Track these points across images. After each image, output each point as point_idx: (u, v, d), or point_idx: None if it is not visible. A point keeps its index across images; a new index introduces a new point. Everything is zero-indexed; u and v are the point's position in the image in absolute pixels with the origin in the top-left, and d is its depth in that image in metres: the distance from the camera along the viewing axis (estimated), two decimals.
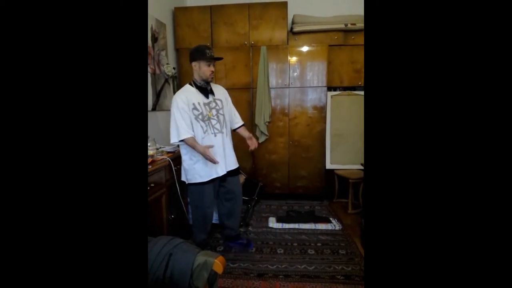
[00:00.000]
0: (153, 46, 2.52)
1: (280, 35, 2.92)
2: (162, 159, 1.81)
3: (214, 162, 1.77)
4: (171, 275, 1.06)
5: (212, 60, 1.77)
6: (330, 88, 3.04)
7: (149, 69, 2.45)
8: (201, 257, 1.09)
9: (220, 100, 1.87)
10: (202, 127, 1.79)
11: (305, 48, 2.93)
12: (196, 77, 1.81)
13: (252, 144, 1.94)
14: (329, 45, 2.92)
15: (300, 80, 2.96)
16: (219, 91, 1.91)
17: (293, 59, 2.94)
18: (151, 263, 1.07)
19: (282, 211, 2.82)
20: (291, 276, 1.76)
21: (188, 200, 2.00)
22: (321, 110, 2.98)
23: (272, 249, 2.09)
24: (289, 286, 1.66)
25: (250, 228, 2.44)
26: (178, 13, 2.98)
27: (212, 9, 2.94)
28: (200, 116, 1.78)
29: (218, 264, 1.07)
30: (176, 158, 1.99)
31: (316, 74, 2.94)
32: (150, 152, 1.80)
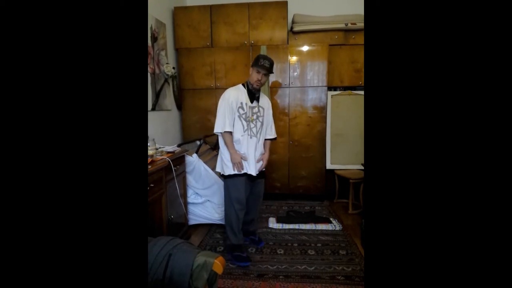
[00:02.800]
0: (152, 46, 2.52)
1: (280, 34, 2.92)
2: (162, 159, 1.81)
3: (238, 169, 1.88)
4: (171, 276, 1.06)
5: (263, 69, 1.82)
6: (330, 88, 3.03)
7: (148, 69, 2.45)
8: (201, 258, 1.08)
9: (263, 108, 1.96)
10: (243, 125, 1.89)
11: (305, 48, 2.92)
12: (250, 80, 1.90)
13: (263, 163, 2.01)
14: (330, 45, 2.91)
15: (300, 80, 2.96)
16: (264, 100, 2.01)
17: (293, 59, 2.93)
18: (150, 264, 1.06)
19: (282, 211, 2.82)
20: (291, 276, 1.75)
21: (224, 195, 2.04)
22: (322, 110, 2.98)
23: (272, 250, 2.09)
24: (289, 286, 1.66)
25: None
26: (178, 12, 2.97)
27: (212, 8, 2.93)
28: (243, 116, 1.89)
29: (218, 264, 1.07)
30: (176, 159, 1.98)
31: (316, 73, 2.93)
32: (149, 152, 1.79)
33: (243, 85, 1.94)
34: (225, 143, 1.90)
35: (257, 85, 1.87)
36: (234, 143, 1.90)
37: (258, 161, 1.97)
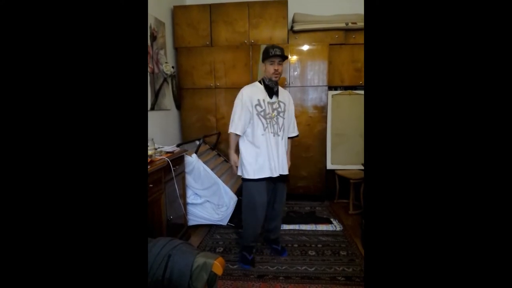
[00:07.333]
0: (152, 45, 2.50)
1: (280, 33, 2.90)
2: (161, 159, 1.80)
3: (233, 170, 1.89)
4: (170, 277, 1.05)
5: (275, 58, 1.74)
6: (330, 88, 3.03)
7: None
8: (200, 258, 1.07)
9: (284, 104, 1.85)
10: (263, 123, 1.80)
11: (305, 47, 2.91)
12: (266, 75, 1.83)
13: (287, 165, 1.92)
14: (330, 44, 2.90)
15: (301, 79, 2.95)
16: (285, 95, 1.90)
17: (294, 58, 2.92)
18: (150, 264, 1.06)
19: (282, 211, 2.80)
20: (291, 277, 1.74)
21: (242, 197, 1.95)
22: (322, 109, 2.97)
23: (272, 250, 2.06)
24: (290, 287, 1.64)
25: None
26: (178, 11, 2.96)
27: (211, 7, 2.92)
28: (262, 113, 1.79)
29: (217, 265, 1.06)
30: (175, 159, 1.97)
31: (317, 73, 2.92)
32: (148, 152, 1.77)
33: (259, 81, 1.86)
34: (230, 143, 1.84)
35: (276, 77, 1.77)
36: (255, 143, 1.81)
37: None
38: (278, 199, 1.97)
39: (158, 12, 2.68)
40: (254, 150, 1.82)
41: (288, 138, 1.96)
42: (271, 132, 1.80)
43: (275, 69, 1.75)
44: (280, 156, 1.85)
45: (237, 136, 1.83)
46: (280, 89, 1.90)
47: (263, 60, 1.81)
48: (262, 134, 1.80)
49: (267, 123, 1.80)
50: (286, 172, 1.89)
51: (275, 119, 1.81)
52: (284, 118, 1.84)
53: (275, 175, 1.83)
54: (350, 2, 3.10)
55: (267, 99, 1.81)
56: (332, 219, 2.57)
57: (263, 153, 1.81)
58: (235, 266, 1.87)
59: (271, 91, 1.82)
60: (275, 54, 1.73)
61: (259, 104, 1.79)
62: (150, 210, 1.66)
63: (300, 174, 3.05)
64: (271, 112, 1.80)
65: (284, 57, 1.77)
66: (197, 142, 2.64)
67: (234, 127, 1.80)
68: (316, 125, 2.99)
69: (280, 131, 1.83)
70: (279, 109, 1.83)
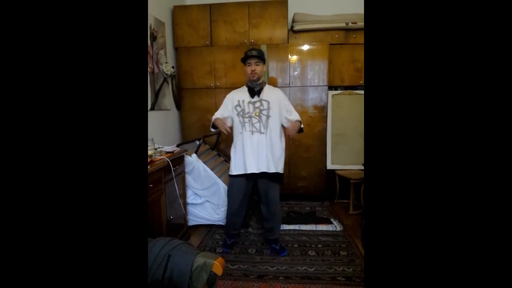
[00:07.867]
0: (151, 45, 2.50)
1: (280, 33, 2.90)
2: (161, 159, 1.79)
3: (225, 131, 1.84)
4: (170, 277, 1.05)
5: (251, 59, 1.86)
6: (331, 88, 3.02)
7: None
8: (200, 259, 1.07)
9: (267, 102, 1.90)
10: (240, 122, 1.92)
11: (305, 47, 2.91)
12: (247, 77, 1.96)
13: (290, 130, 1.85)
14: (330, 44, 2.90)
15: (301, 79, 2.94)
16: (271, 93, 1.94)
17: (294, 58, 2.92)
18: (150, 264, 1.05)
19: (282, 212, 2.80)
20: (291, 277, 1.74)
21: None
22: (322, 109, 2.96)
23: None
24: (290, 287, 1.64)
25: (250, 230, 2.42)
26: (177, 11, 2.96)
27: (211, 7, 2.92)
28: (241, 113, 1.92)
29: (217, 265, 1.06)
30: (175, 159, 1.97)
31: (317, 73, 2.91)
32: (148, 152, 1.77)
33: (246, 84, 1.99)
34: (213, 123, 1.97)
35: (253, 76, 1.87)
36: (235, 141, 1.98)
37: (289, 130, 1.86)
38: (269, 199, 1.98)
39: (158, 12, 2.68)
40: (234, 148, 1.98)
41: (293, 122, 1.88)
42: (249, 131, 1.89)
43: (251, 70, 1.87)
44: (262, 154, 1.89)
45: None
46: (268, 88, 1.97)
47: (242, 61, 1.94)
48: (240, 133, 1.92)
49: (244, 122, 1.90)
50: (271, 170, 1.91)
51: (257, 117, 1.89)
52: (269, 116, 1.89)
53: (249, 171, 1.91)
54: (350, 2, 3.09)
55: (248, 99, 1.91)
56: (332, 219, 2.57)
57: (239, 151, 1.94)
58: (235, 266, 1.87)
59: (253, 91, 1.92)
60: (251, 55, 1.86)
61: (239, 105, 1.92)
62: (150, 210, 1.66)
63: (300, 174, 3.04)
64: (251, 111, 1.89)
65: (261, 58, 1.88)
66: (197, 142, 2.64)
67: (214, 117, 1.98)
68: (316, 125, 2.99)
69: (264, 128, 1.89)
70: (262, 107, 1.90)
